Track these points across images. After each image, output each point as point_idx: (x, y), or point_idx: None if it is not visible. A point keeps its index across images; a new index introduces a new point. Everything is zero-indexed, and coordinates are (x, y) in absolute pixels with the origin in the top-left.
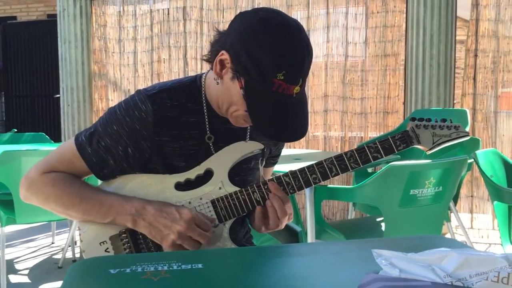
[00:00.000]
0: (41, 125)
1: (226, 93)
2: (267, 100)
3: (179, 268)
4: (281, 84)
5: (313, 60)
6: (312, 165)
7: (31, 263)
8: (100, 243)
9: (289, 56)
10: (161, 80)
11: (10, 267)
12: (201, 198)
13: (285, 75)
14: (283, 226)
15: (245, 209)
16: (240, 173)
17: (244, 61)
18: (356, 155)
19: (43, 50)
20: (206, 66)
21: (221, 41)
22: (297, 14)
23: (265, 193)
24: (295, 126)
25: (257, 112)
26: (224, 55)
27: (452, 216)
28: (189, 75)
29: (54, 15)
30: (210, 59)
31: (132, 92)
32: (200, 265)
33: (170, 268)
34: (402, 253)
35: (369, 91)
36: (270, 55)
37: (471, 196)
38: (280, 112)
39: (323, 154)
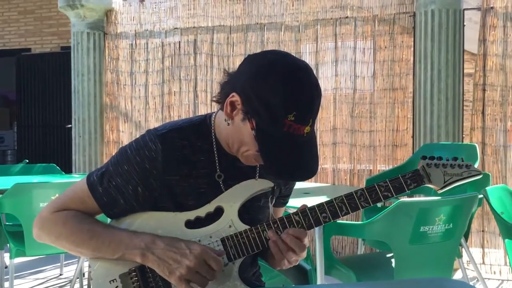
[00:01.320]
0: (52, 155)
1: (236, 134)
2: (278, 140)
3: None
4: (292, 125)
5: (322, 93)
6: (322, 204)
7: None
8: (110, 281)
9: (299, 98)
10: (172, 112)
11: None
12: (211, 237)
13: (296, 116)
14: (297, 261)
15: (255, 248)
16: (250, 211)
17: (255, 103)
18: (366, 194)
19: (56, 81)
20: None
21: (230, 83)
22: (306, 48)
23: (275, 231)
24: (306, 165)
25: (268, 152)
26: (235, 97)
27: (463, 251)
28: (199, 107)
29: (68, 47)
30: (220, 100)
31: (143, 124)
32: None
33: None
34: None
35: (377, 124)
36: (280, 97)
37: (482, 231)
38: (291, 152)
39: (332, 188)
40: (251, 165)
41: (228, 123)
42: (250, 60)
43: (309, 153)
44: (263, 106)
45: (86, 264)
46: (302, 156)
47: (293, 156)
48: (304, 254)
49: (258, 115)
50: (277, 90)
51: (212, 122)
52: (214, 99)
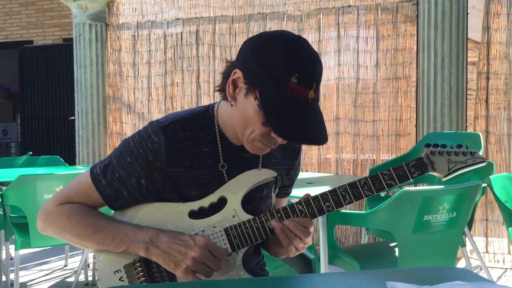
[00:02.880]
0: (56, 147)
1: (240, 115)
2: (284, 106)
3: None
4: (296, 87)
5: (325, 83)
6: (325, 193)
7: (44, 286)
8: (114, 272)
9: (301, 59)
10: (174, 103)
11: None
12: (214, 227)
13: (299, 78)
14: (304, 248)
15: (258, 238)
16: (252, 201)
17: (256, 70)
18: (370, 182)
19: (59, 73)
20: None
21: (231, 67)
22: (308, 37)
23: (279, 220)
24: (315, 130)
25: (275, 119)
26: (237, 73)
27: (467, 240)
28: (202, 97)
29: (70, 39)
30: (222, 87)
31: (146, 115)
32: None
33: None
34: (417, 286)
35: (380, 114)
36: (281, 59)
37: (486, 219)
38: (297, 116)
39: (335, 177)
40: (258, 152)
41: (232, 105)
42: (248, 41)
43: (317, 120)
44: (265, 71)
45: (90, 255)
46: (310, 121)
47: (300, 122)
48: (310, 240)
49: (261, 83)
50: (278, 53)
51: (215, 112)
52: (217, 88)
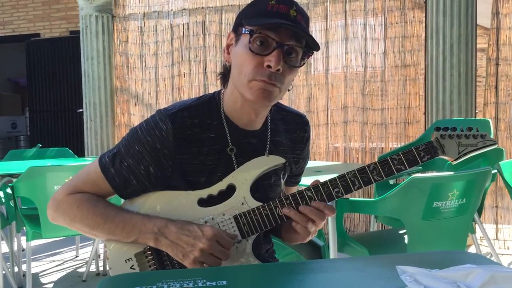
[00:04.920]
0: (64, 140)
1: (235, 66)
2: (267, 18)
3: (204, 285)
4: (275, 5)
5: (332, 71)
6: (334, 179)
7: (56, 276)
8: (125, 260)
9: None
10: (182, 94)
11: (36, 281)
12: (223, 214)
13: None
14: (315, 232)
15: (267, 224)
16: (261, 189)
17: (240, 15)
18: (379, 167)
19: (66, 66)
20: None
21: None
22: (316, 26)
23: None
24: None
25: (255, 21)
26: (230, 36)
27: (477, 227)
28: (209, 88)
29: (77, 32)
30: (223, 74)
31: (154, 106)
32: (224, 282)
33: (196, 285)
34: (427, 270)
35: (389, 102)
36: None
37: (496, 206)
38: (279, 18)
39: (343, 166)
40: (259, 98)
41: (228, 66)
42: None
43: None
44: (246, 8)
45: (101, 246)
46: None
47: (284, 21)
48: (323, 223)
49: (245, 19)
50: None
51: (221, 98)
52: (219, 76)
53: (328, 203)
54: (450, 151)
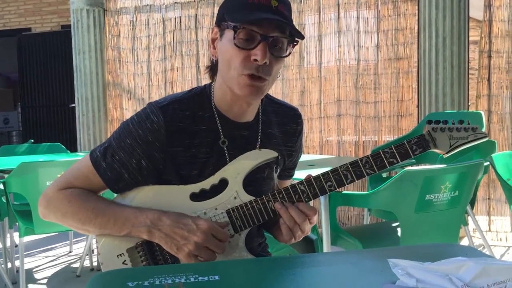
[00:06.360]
0: (57, 135)
1: (223, 63)
2: (250, 12)
3: (196, 280)
4: None
5: (325, 64)
6: (327, 172)
7: (50, 272)
8: (117, 256)
9: None
10: (175, 88)
11: (29, 276)
12: (216, 208)
13: None
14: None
15: (260, 219)
16: (254, 183)
17: (222, 9)
18: (371, 161)
19: (58, 60)
20: None
21: None
22: (308, 19)
23: (281, 202)
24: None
25: (238, 17)
26: (213, 30)
27: (469, 219)
28: (202, 82)
29: (68, 26)
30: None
31: (146, 101)
32: (217, 277)
33: (188, 281)
34: (419, 263)
35: (382, 95)
36: None
37: (488, 198)
38: (261, 10)
39: (337, 159)
40: (247, 94)
41: (214, 61)
42: None
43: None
44: (227, 1)
45: (94, 241)
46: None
47: (265, 14)
48: (309, 229)
49: (228, 13)
50: None
51: (212, 91)
52: (206, 70)
53: (321, 196)
54: (442, 144)
